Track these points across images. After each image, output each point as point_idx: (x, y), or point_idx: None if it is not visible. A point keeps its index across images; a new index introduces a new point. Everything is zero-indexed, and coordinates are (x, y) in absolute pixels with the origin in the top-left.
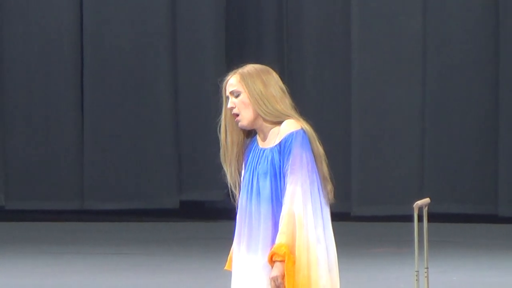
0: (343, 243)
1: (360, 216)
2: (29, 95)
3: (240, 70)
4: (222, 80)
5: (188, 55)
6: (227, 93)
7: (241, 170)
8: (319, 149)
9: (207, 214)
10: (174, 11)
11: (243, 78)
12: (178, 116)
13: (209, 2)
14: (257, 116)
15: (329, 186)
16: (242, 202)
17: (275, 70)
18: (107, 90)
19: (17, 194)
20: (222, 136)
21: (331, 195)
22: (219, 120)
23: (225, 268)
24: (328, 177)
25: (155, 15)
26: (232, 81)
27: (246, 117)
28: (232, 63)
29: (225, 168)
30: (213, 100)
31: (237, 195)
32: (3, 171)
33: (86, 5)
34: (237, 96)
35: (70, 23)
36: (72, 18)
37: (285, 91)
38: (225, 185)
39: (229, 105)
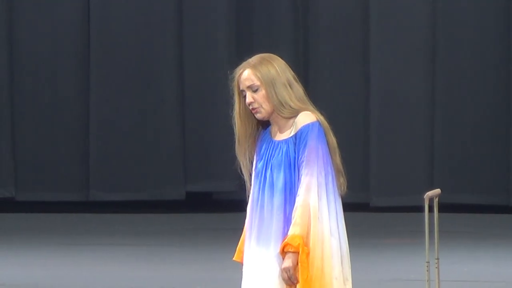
0: (357, 233)
1: (379, 206)
2: (37, 87)
3: (253, 63)
4: (232, 72)
5: (195, 45)
6: (242, 87)
7: (254, 161)
8: (333, 141)
9: (213, 205)
10: (181, 2)
11: (258, 70)
12: (184, 106)
13: None
14: (274, 110)
15: (342, 179)
16: (254, 194)
17: (291, 60)
18: (113, 81)
19: (26, 185)
20: (236, 128)
21: (343, 187)
22: (233, 112)
23: (234, 259)
24: (341, 170)
25: (162, 5)
26: (248, 76)
27: (266, 110)
28: (242, 52)
29: (239, 160)
30: (220, 90)
31: (250, 187)
32: (13, 163)
33: None
34: (255, 91)
35: (77, 15)
36: (79, 10)
37: (296, 78)
38: (236, 176)
39: (247, 100)
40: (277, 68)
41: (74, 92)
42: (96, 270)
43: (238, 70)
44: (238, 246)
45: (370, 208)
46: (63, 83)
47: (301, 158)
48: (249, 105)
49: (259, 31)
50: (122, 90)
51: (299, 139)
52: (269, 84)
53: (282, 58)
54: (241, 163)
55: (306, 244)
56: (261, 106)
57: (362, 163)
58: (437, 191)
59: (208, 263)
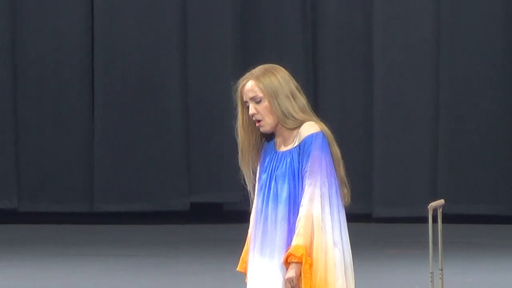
0: (361, 244)
1: (382, 217)
2: (41, 98)
3: (256, 74)
4: (236, 83)
5: (199, 56)
6: (246, 99)
7: (257, 172)
8: (337, 152)
9: (218, 215)
10: (185, 10)
11: (261, 82)
12: (188, 118)
13: (223, 1)
14: (278, 122)
15: (346, 190)
16: (258, 205)
17: (295, 70)
18: (117, 92)
19: (29, 196)
20: (240, 139)
21: (347, 198)
22: (236, 123)
23: (237, 269)
24: (345, 180)
25: (166, 15)
26: (251, 87)
27: (269, 123)
28: (247, 63)
29: (243, 171)
30: (225, 100)
31: (254, 198)
32: (16, 173)
33: (97, 6)
34: (258, 102)
35: (81, 26)
36: (83, 21)
37: (300, 89)
38: (241, 186)
39: (250, 112)
40: (280, 79)
41: (78, 103)
42: (100, 281)
43: (241, 81)
44: (242, 256)
45: (372, 219)
46: (67, 93)
47: (304, 168)
48: (252, 116)
49: (265, 41)
50: (126, 100)
51: (302, 149)
52: (272, 96)
53: (286, 68)
54: (244, 174)
55: (309, 254)
56: (264, 118)
57: (364, 173)
58: (441, 201)
59: (213, 274)
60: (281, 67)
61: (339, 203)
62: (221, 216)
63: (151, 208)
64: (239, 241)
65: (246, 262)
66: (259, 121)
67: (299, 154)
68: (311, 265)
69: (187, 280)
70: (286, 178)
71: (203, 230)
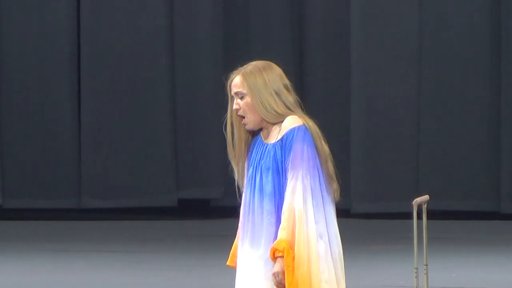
0: (342, 240)
1: (360, 213)
2: (26, 92)
3: (243, 70)
4: (227, 78)
5: (186, 52)
6: (232, 93)
7: (246, 165)
8: (324, 147)
9: (205, 211)
10: (171, 6)
11: (246, 79)
12: (176, 113)
13: None
14: (261, 118)
15: (335, 185)
16: (245, 198)
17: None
18: (104, 88)
19: (14, 192)
20: (228, 134)
21: (336, 194)
22: (225, 118)
23: (227, 264)
24: (333, 176)
25: (152, 11)
26: (236, 82)
27: (252, 120)
28: (232, 59)
29: (233, 166)
30: (212, 96)
31: (243, 191)
32: (0, 169)
33: (83, 2)
34: (241, 98)
35: (67, 20)
36: (69, 15)
37: (289, 87)
38: (227, 182)
39: (234, 106)
40: (266, 78)
41: (64, 98)
42: (87, 277)
43: (231, 75)
44: (232, 251)
45: (350, 215)
46: (52, 89)
47: (287, 162)
48: (235, 111)
49: (251, 36)
50: (113, 97)
51: (285, 143)
52: (255, 94)
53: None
54: (234, 169)
55: (291, 247)
56: (247, 115)
57: (343, 168)
58: (426, 197)
59: (201, 269)
60: (273, 66)
61: (325, 196)
62: (208, 212)
63: (138, 204)
64: (227, 236)
65: (236, 256)
66: (243, 117)
67: (281, 147)
68: (293, 258)
69: (175, 276)
70: (270, 171)
71: (191, 226)
